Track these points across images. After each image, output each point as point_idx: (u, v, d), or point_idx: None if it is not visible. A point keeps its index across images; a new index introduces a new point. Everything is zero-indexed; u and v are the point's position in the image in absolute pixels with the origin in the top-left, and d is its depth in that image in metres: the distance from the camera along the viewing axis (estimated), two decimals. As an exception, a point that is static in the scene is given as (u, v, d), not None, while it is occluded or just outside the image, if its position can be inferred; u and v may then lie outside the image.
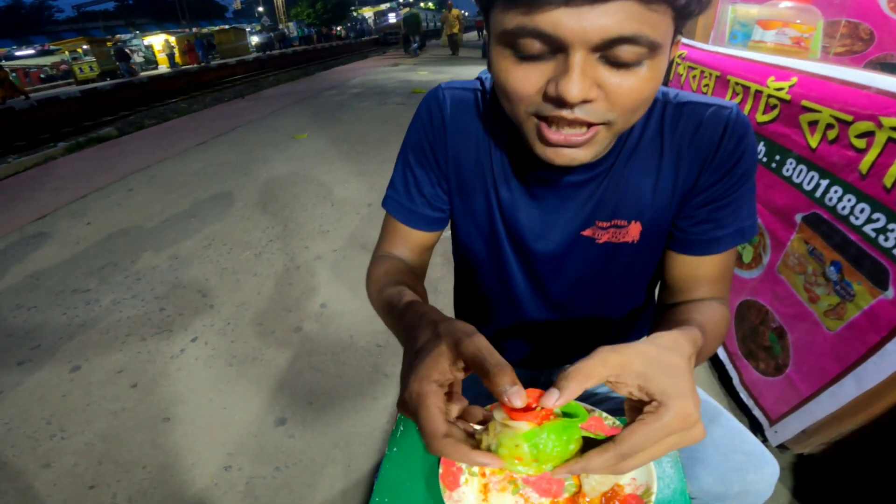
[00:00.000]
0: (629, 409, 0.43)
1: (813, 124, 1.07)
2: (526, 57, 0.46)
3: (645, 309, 0.81)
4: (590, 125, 0.48)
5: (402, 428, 0.71)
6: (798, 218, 1.12)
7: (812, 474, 1.26)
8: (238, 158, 4.65)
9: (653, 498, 0.56)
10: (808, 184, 1.09)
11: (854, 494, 1.17)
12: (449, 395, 0.44)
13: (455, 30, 13.01)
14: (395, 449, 0.68)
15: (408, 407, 0.41)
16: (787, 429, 1.19)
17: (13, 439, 1.62)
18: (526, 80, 0.47)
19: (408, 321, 0.50)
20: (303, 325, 2.13)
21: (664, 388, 0.38)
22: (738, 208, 0.60)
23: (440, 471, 0.61)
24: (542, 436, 0.39)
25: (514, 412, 0.40)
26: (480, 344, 0.40)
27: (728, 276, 0.65)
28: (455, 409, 0.44)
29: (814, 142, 1.07)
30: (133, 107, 10.56)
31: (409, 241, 0.72)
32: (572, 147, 0.49)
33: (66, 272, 2.74)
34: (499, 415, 0.41)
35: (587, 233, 0.65)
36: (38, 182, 4.51)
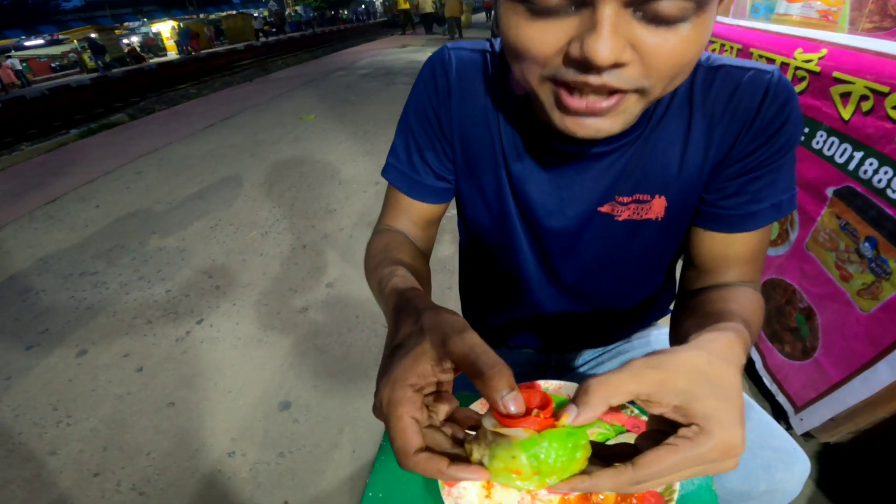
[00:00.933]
0: (651, 416, 0.37)
1: (845, 96, 1.01)
2: (541, 11, 0.38)
3: (664, 290, 0.75)
4: (618, 92, 0.40)
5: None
6: (829, 192, 1.06)
7: (838, 464, 1.19)
8: (245, 140, 4.59)
9: (675, 496, 0.51)
10: (841, 156, 1.03)
11: (883, 486, 1.09)
12: (437, 395, 0.39)
13: (456, 13, 12.29)
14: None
15: (380, 414, 0.36)
16: (814, 416, 1.12)
17: (20, 426, 1.61)
18: (542, 38, 0.39)
19: (393, 307, 0.45)
20: (308, 306, 2.08)
21: (710, 411, 0.32)
22: (775, 181, 0.54)
23: None
24: (542, 445, 0.34)
25: (507, 419, 0.34)
26: (472, 342, 0.35)
27: (761, 257, 0.59)
28: (443, 411, 0.39)
29: (846, 113, 1.01)
30: (144, 93, 10.54)
31: (412, 213, 0.67)
32: (596, 116, 0.42)
33: (74, 255, 2.72)
34: (489, 422, 0.36)
35: (605, 209, 0.59)
36: (47, 167, 4.50)
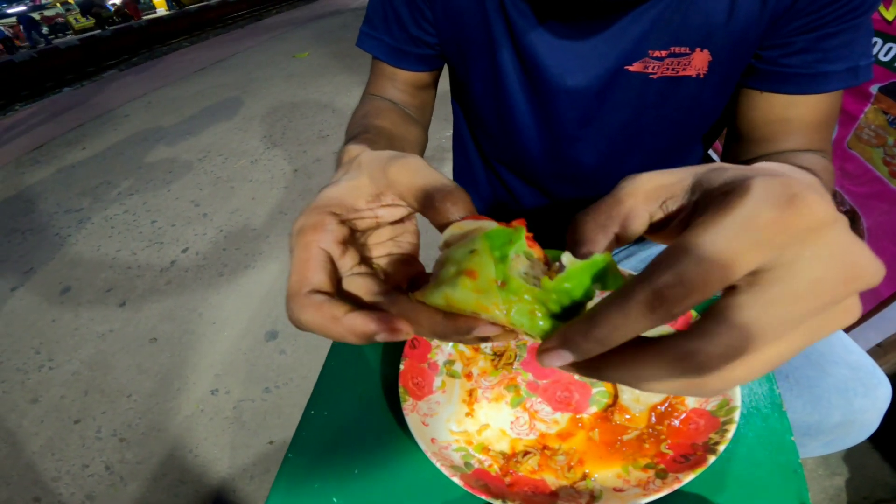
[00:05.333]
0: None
1: (888, -1, 0.93)
2: None
3: None
4: None
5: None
6: (873, 89, 0.97)
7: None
8: (237, 79, 4.22)
9: (736, 415, 0.36)
10: (886, 55, 0.96)
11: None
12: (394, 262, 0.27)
13: None
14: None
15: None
16: (859, 341, 0.97)
17: (4, 374, 1.46)
18: None
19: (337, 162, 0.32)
20: None
21: (761, 167, 0.18)
22: (852, 41, 0.43)
23: (401, 367, 0.41)
24: (519, 240, 0.20)
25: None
26: (417, 164, 0.24)
27: (831, 126, 0.47)
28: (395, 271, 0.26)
29: (889, 15, 0.95)
30: (136, 50, 9.89)
31: (397, 81, 0.57)
32: None
33: (59, 194, 2.51)
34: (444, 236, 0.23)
35: (636, 67, 0.47)
36: (35, 118, 4.23)
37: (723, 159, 0.55)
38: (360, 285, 0.23)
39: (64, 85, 7.44)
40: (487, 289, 0.19)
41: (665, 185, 0.20)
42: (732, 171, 0.18)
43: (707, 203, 0.17)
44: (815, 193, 0.15)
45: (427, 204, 0.23)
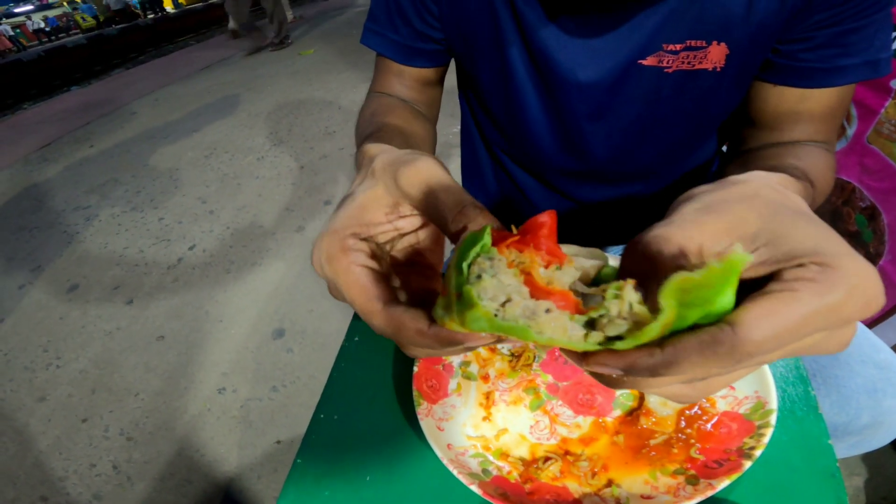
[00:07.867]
0: None
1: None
2: None
3: (709, 168, 0.62)
4: None
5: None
6: (894, 84, 0.95)
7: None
8: (242, 76, 4.22)
9: (772, 418, 0.34)
10: None
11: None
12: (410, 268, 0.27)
13: None
14: (356, 338, 0.45)
15: (323, 275, 0.25)
16: (881, 339, 0.93)
17: (11, 372, 1.46)
18: None
19: (357, 164, 0.33)
20: (305, 225, 1.85)
21: (819, 242, 0.19)
22: (872, 34, 0.41)
23: (414, 369, 0.39)
24: (487, 246, 0.19)
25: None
26: (429, 172, 0.23)
27: (840, 116, 0.47)
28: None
29: None
30: (143, 48, 9.95)
31: (403, 77, 0.55)
32: None
33: (67, 192, 2.52)
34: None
35: (650, 61, 0.45)
36: (43, 115, 4.26)
37: (731, 143, 0.55)
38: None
39: (72, 83, 7.51)
40: (449, 303, 0.18)
41: (731, 227, 0.21)
42: (806, 230, 0.19)
43: (797, 277, 0.19)
44: (883, 295, 0.18)
45: (439, 221, 0.23)
